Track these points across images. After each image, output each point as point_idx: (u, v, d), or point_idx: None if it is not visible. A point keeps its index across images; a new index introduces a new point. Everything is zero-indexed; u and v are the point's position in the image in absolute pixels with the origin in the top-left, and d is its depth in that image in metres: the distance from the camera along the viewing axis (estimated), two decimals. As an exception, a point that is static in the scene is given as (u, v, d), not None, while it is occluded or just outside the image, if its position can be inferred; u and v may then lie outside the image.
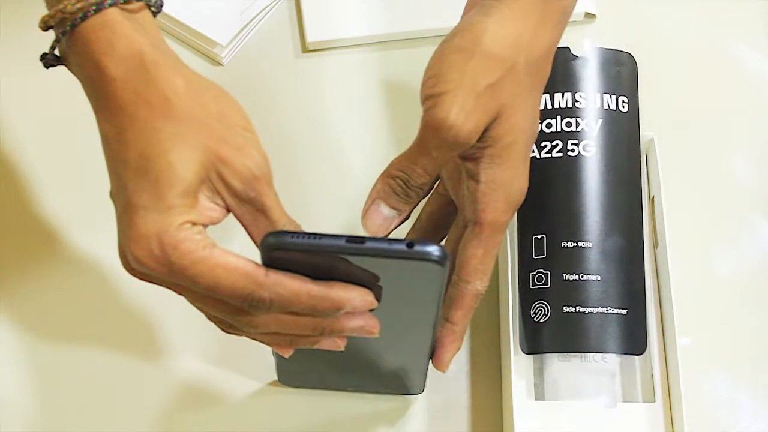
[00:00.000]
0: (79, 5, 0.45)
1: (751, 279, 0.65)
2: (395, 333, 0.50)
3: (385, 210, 0.51)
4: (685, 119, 0.69)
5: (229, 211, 0.47)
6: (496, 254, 0.52)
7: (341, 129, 0.69)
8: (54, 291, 0.63)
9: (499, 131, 0.49)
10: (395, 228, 0.52)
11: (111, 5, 0.46)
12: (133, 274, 0.47)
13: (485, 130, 0.49)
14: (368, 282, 0.46)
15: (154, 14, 0.49)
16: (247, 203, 0.46)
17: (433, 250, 0.45)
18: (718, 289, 0.64)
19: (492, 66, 0.48)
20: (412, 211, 0.53)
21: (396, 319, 0.49)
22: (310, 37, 0.71)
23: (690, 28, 0.73)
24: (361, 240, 0.44)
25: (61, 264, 0.63)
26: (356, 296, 0.46)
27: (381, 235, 0.51)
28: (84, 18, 0.46)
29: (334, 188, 0.67)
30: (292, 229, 0.48)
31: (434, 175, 0.51)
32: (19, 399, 0.60)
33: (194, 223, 0.45)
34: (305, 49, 0.71)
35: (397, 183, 0.51)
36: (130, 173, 0.45)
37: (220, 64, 0.71)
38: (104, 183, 0.47)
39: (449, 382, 0.61)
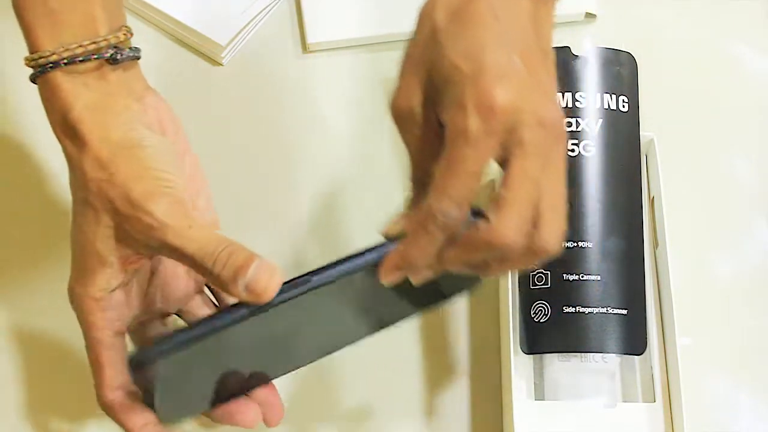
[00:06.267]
0: (32, 64, 0.49)
1: (751, 279, 0.65)
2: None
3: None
4: (685, 119, 0.69)
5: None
6: (467, 174, 0.44)
7: (341, 129, 0.69)
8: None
9: (443, 64, 0.46)
10: None
11: (51, 68, 0.49)
12: None
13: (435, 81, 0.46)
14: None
15: (115, 62, 0.50)
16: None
17: None
18: (718, 289, 0.64)
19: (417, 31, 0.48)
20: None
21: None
22: (311, 38, 0.71)
23: (690, 28, 0.73)
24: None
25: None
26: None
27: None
28: (37, 76, 0.50)
29: (334, 188, 0.67)
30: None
31: (423, 155, 0.47)
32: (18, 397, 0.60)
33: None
34: (305, 49, 0.71)
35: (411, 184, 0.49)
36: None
37: (220, 64, 0.71)
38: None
39: (449, 382, 0.61)
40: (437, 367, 0.61)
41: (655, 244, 0.62)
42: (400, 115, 0.47)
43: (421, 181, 0.47)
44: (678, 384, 0.57)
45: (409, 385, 0.61)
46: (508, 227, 0.44)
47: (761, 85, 0.71)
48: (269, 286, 0.46)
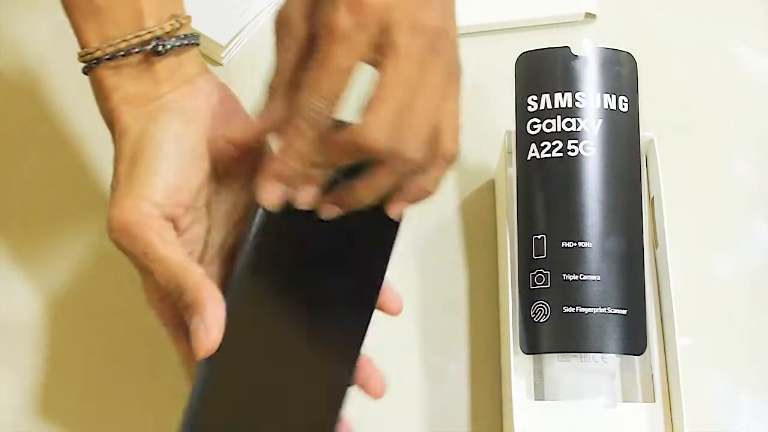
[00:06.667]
0: (82, 60, 0.50)
1: (751, 279, 0.65)
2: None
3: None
4: (685, 119, 0.70)
5: None
6: (337, 70, 0.45)
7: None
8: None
9: None
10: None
11: (96, 64, 0.50)
12: None
13: None
14: None
15: (159, 53, 0.50)
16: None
17: None
18: (718, 289, 0.64)
19: None
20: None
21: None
22: (310, 37, 0.71)
23: (690, 28, 0.73)
24: None
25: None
26: None
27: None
28: (86, 71, 0.51)
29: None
30: None
31: (289, 63, 0.48)
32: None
33: None
34: (305, 49, 0.71)
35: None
36: None
37: (220, 64, 0.71)
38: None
39: (449, 382, 0.61)
40: (437, 368, 0.61)
41: (655, 244, 0.62)
42: (279, 23, 0.48)
43: (279, 88, 0.48)
44: (678, 384, 0.57)
45: (408, 385, 0.61)
46: (375, 128, 0.45)
47: (761, 85, 0.71)
48: (203, 347, 0.46)
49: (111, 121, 0.50)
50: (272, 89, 0.48)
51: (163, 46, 0.50)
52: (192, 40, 0.51)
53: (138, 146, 0.49)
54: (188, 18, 0.52)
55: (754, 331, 0.63)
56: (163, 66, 0.50)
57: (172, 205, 0.48)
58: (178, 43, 0.50)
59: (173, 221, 0.49)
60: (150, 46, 0.50)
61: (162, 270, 0.47)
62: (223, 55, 0.70)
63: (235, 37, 0.71)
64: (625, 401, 0.58)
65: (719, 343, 0.63)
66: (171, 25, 0.50)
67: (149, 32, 0.50)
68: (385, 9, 0.45)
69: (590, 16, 0.72)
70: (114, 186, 0.49)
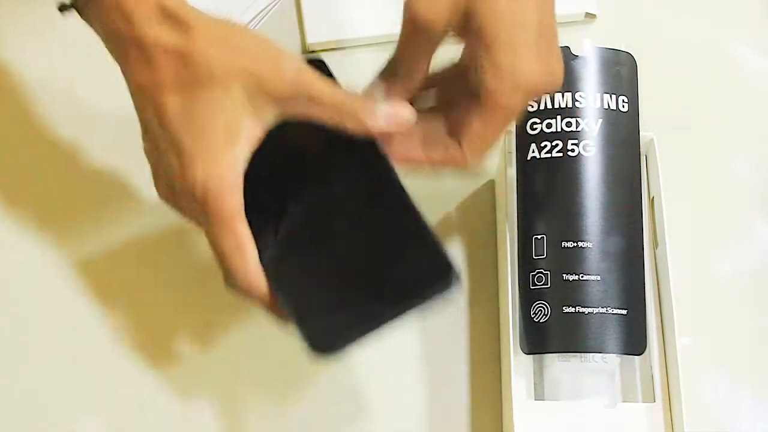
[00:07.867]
0: None
1: (751, 279, 0.65)
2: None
3: (376, 82, 0.53)
4: (685, 119, 0.69)
5: None
6: (500, 136, 0.52)
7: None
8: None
9: (483, 20, 0.50)
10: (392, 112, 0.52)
11: None
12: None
13: (469, 21, 0.50)
14: None
15: None
16: None
17: None
18: (718, 289, 0.64)
19: None
20: (409, 99, 0.53)
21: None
22: (311, 38, 0.71)
23: (690, 28, 0.73)
24: None
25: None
26: None
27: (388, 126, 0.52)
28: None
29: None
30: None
31: (416, 63, 0.52)
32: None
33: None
34: (305, 50, 0.71)
35: (388, 62, 0.53)
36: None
37: (220, 64, 0.71)
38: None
39: (449, 382, 0.61)
40: (437, 368, 0.61)
41: (655, 244, 0.62)
42: (422, 26, 0.50)
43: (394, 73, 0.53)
44: (678, 384, 0.57)
45: (408, 385, 0.61)
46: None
47: (761, 85, 0.71)
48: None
49: (173, 15, 0.49)
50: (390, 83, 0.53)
51: None
52: None
53: (237, 28, 0.51)
54: None
55: (754, 331, 0.63)
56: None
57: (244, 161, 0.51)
58: None
59: None
60: None
61: (335, 89, 0.52)
62: (223, 55, 0.70)
63: (235, 37, 0.70)
64: (625, 401, 0.58)
65: (719, 343, 0.63)
66: None
67: None
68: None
69: (590, 16, 0.72)
70: (257, 50, 0.50)
